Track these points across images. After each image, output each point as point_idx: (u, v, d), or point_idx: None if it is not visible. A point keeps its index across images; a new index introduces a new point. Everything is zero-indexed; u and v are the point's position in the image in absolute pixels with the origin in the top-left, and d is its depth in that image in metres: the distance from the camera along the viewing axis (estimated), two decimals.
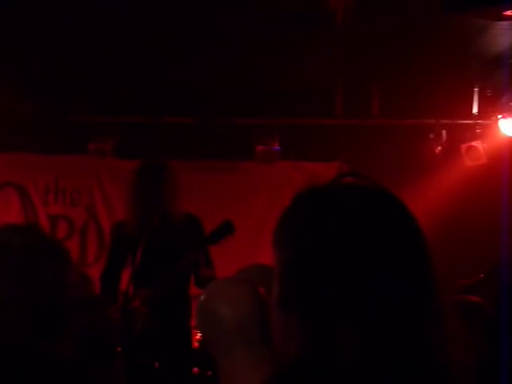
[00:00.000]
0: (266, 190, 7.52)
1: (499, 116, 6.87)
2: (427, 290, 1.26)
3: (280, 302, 1.27)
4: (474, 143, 7.00)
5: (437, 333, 1.24)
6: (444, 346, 1.25)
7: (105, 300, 3.37)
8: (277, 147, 7.16)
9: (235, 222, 4.72)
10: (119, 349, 2.85)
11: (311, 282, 1.23)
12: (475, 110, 7.07)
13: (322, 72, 6.60)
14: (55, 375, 1.74)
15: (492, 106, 6.96)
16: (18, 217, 7.44)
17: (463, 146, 7.04)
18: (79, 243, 7.47)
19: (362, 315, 1.20)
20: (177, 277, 4.56)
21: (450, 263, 4.86)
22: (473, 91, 7.02)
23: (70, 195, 7.56)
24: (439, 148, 7.06)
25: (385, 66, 6.45)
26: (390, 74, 6.58)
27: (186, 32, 5.86)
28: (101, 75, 6.78)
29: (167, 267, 4.56)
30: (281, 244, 1.29)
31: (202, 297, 1.96)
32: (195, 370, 5.07)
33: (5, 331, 1.77)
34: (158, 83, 6.91)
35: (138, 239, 4.60)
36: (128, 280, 4.62)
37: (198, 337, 5.59)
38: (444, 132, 7.10)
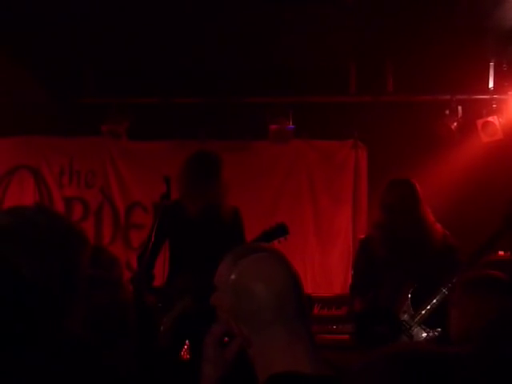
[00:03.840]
0: (280, 168, 7.50)
1: None
2: None
3: None
4: (490, 118, 6.93)
5: None
6: None
7: (121, 282, 3.35)
8: (290, 126, 7.11)
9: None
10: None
11: None
12: (491, 84, 6.99)
13: (336, 49, 6.55)
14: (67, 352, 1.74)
15: (508, 80, 6.89)
16: (32, 199, 7.47)
17: (479, 122, 6.97)
18: (94, 225, 7.50)
19: None
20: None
21: (467, 239, 4.81)
22: (488, 65, 6.94)
23: (84, 177, 7.58)
24: (455, 124, 6.99)
25: (398, 42, 6.39)
26: (404, 49, 6.52)
27: (197, 11, 5.82)
28: (112, 56, 6.77)
29: (209, 258, 4.63)
30: None
31: (233, 276, 1.94)
32: None
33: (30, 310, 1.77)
34: (170, 63, 6.88)
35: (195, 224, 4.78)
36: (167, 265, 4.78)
37: None
38: (460, 108, 7.03)
